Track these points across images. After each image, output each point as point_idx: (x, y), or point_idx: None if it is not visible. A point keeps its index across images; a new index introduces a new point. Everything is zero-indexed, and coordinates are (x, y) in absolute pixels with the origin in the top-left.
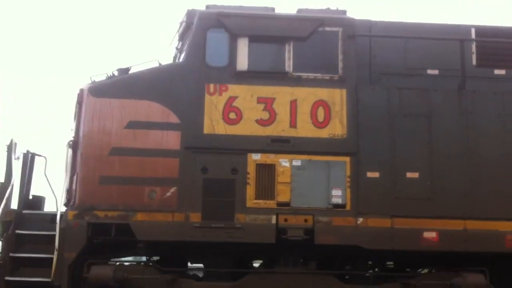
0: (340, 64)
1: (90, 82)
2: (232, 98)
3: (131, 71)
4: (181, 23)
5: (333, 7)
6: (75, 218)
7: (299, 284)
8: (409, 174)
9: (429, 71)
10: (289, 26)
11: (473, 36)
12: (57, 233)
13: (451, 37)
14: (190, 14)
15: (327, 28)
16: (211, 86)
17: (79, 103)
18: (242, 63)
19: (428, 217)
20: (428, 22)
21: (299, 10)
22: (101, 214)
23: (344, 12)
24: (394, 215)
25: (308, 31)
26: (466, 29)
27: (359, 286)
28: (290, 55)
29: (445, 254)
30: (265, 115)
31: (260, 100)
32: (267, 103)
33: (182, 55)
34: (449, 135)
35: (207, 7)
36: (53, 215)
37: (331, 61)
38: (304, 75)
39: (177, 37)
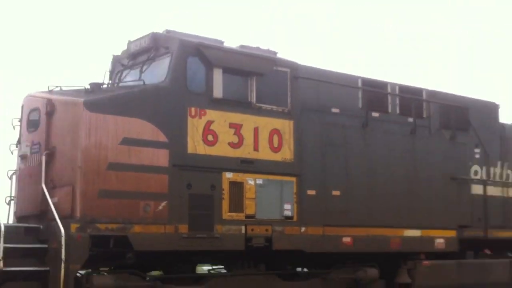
0: (289, 100)
1: (48, 91)
2: (209, 122)
3: (103, 87)
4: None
5: (264, 47)
6: (77, 231)
7: (252, 283)
8: (334, 192)
9: (333, 110)
10: (253, 63)
11: (360, 85)
12: (63, 246)
13: (347, 84)
14: (156, 38)
15: (279, 68)
16: (193, 109)
17: (50, 113)
18: (218, 91)
19: (345, 226)
20: (334, 70)
21: (242, 47)
22: (102, 227)
23: (275, 53)
24: (325, 225)
25: (267, 69)
26: (355, 79)
27: (292, 282)
28: (253, 88)
29: (356, 254)
30: (235, 139)
31: (231, 125)
32: (237, 128)
33: (148, 73)
34: (358, 161)
35: (168, 31)
36: (27, 228)
37: (282, 96)
38: (264, 106)
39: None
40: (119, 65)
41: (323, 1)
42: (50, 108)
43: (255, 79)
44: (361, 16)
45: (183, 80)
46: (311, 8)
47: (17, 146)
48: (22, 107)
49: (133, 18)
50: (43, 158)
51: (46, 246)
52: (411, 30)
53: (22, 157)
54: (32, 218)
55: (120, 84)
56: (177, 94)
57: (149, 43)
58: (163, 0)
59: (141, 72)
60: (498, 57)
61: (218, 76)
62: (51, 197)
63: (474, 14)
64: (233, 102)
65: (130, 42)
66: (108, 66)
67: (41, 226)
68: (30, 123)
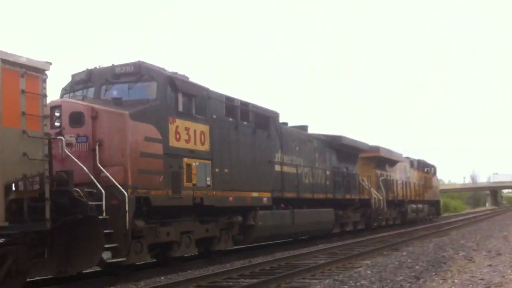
0: (206, 112)
1: (85, 99)
2: (177, 126)
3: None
4: (118, 66)
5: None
6: (131, 194)
7: (187, 224)
8: (225, 170)
9: (214, 116)
10: (194, 89)
11: (224, 100)
12: (126, 202)
13: (222, 100)
14: (140, 66)
15: (203, 92)
16: (170, 118)
17: (94, 117)
18: (180, 107)
19: (230, 190)
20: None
21: (183, 76)
22: (139, 191)
23: (187, 77)
24: (222, 190)
25: (199, 93)
26: (222, 96)
27: (203, 224)
28: (193, 105)
29: (233, 207)
30: (187, 137)
31: (185, 129)
32: (187, 130)
33: (134, 91)
34: (234, 150)
35: (141, 62)
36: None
37: (204, 110)
38: (198, 116)
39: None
40: (102, 80)
41: (323, 1)
42: (94, 114)
43: (195, 99)
44: (361, 16)
45: (165, 99)
46: (311, 8)
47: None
48: (57, 108)
49: (132, 18)
50: (97, 146)
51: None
52: (411, 30)
53: (68, 144)
54: (81, 186)
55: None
56: (163, 109)
57: (134, 69)
58: (163, 0)
59: (128, 89)
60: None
61: (180, 97)
62: (103, 172)
63: (474, 14)
64: (185, 114)
65: (114, 66)
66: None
67: (95, 190)
68: (73, 121)
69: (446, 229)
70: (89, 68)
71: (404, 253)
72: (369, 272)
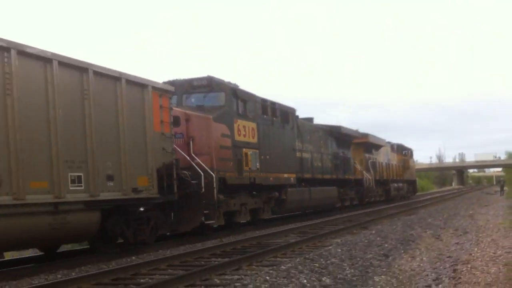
0: (254, 113)
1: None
2: (237, 125)
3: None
4: (195, 80)
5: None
6: (216, 175)
7: (242, 197)
8: (267, 157)
9: (258, 115)
10: (247, 96)
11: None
12: (214, 181)
13: (258, 102)
14: (211, 80)
15: (253, 98)
16: (234, 119)
17: (187, 120)
18: (240, 110)
19: (270, 172)
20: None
21: (235, 85)
22: (221, 174)
23: (237, 85)
24: (266, 172)
25: (251, 99)
26: (259, 98)
27: (253, 199)
28: (247, 108)
29: (272, 185)
30: (245, 133)
31: (243, 127)
32: (245, 127)
33: (208, 99)
34: (272, 141)
35: (210, 76)
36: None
37: (253, 111)
38: (249, 116)
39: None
40: (183, 90)
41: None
42: (187, 117)
43: (247, 103)
44: (361, 16)
45: (231, 105)
46: (311, 8)
47: None
48: None
49: (132, 17)
50: (190, 141)
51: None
52: (411, 30)
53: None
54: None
55: (199, 104)
56: (230, 112)
57: (207, 82)
58: (163, 0)
59: (203, 98)
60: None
61: (239, 103)
62: (195, 159)
63: (474, 14)
64: (242, 115)
65: (192, 79)
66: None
67: (190, 173)
68: (174, 123)
69: (414, 208)
70: (170, 80)
71: (373, 232)
72: (339, 250)
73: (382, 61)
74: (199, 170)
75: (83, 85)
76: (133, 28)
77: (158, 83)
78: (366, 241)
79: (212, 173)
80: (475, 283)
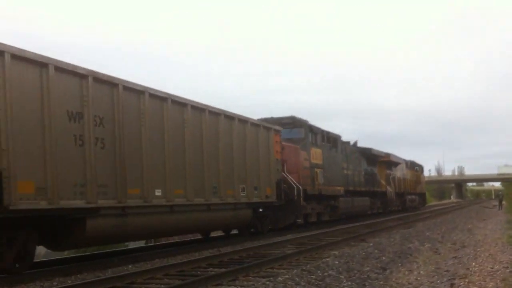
0: (320, 141)
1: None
2: (312, 151)
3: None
4: (284, 118)
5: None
6: (302, 188)
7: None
8: (328, 174)
9: (322, 143)
10: (315, 128)
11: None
12: (301, 193)
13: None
14: (294, 118)
15: (318, 129)
16: (308, 147)
17: (282, 148)
18: (313, 141)
19: (329, 186)
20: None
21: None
22: (303, 187)
23: (307, 121)
24: (328, 185)
25: (316, 130)
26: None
27: (318, 205)
28: (316, 138)
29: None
30: (315, 157)
31: (315, 152)
32: (315, 153)
33: (292, 132)
34: (332, 162)
35: (293, 116)
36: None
37: (319, 139)
38: (318, 144)
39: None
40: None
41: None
42: (283, 147)
43: (317, 135)
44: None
45: (308, 137)
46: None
47: None
48: None
49: (132, 17)
50: (284, 163)
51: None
52: (414, 35)
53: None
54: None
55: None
56: (308, 142)
57: (292, 121)
58: (163, 0)
59: (289, 132)
60: None
61: (313, 135)
62: (288, 176)
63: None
64: (314, 144)
65: (281, 118)
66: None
67: (285, 185)
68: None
69: (412, 221)
70: (263, 117)
71: (371, 244)
72: (337, 262)
73: (382, 70)
74: (293, 184)
75: (245, 133)
76: (133, 28)
77: (276, 127)
78: (363, 253)
79: (299, 186)
80: None
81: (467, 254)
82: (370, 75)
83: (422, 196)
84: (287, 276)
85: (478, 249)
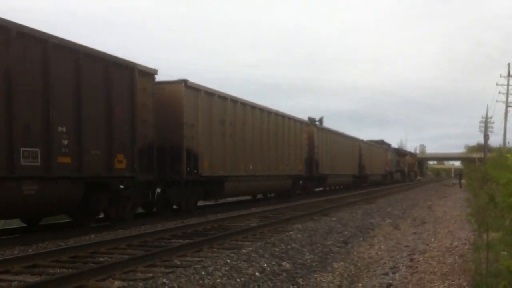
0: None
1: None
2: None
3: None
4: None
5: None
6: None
7: None
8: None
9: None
10: (386, 144)
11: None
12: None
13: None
14: (383, 141)
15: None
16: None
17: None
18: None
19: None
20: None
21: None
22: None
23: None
24: None
25: (385, 144)
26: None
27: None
28: (388, 149)
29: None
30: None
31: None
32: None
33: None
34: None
35: (382, 140)
36: None
37: (395, 152)
38: (389, 152)
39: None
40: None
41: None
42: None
43: (397, 150)
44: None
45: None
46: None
47: None
48: None
49: (132, 16)
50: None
51: None
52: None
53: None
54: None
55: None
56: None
57: (381, 141)
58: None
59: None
60: None
61: (393, 149)
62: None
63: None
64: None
65: (375, 141)
66: None
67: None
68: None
69: (374, 197)
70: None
71: (334, 219)
72: (300, 236)
73: (351, 48)
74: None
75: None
76: (133, 28)
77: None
78: (326, 227)
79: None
80: (431, 272)
81: (427, 230)
82: (339, 55)
83: (414, 172)
84: (251, 249)
85: (438, 226)
